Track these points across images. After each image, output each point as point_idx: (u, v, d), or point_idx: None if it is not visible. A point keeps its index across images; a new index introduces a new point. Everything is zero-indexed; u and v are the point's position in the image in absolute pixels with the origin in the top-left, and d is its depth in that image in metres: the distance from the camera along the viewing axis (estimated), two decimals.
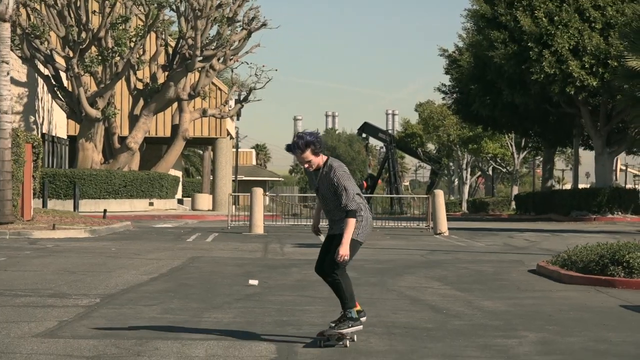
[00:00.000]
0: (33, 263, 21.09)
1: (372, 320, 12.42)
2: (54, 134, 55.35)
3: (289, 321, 12.70)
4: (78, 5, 49.54)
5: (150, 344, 10.78)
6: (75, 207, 47.85)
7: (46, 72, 51.08)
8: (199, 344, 10.83)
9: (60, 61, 51.57)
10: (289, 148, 10.06)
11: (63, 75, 52.37)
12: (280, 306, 14.18)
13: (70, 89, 51.67)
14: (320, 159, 9.94)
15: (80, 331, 11.69)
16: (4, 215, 33.18)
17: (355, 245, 10.24)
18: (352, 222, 9.81)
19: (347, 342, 10.12)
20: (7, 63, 34.45)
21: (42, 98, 53.18)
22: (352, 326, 10.08)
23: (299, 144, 9.79)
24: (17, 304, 13.97)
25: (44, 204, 45.36)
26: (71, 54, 50.47)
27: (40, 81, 52.01)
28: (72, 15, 49.64)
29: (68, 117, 55.38)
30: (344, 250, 9.74)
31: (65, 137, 57.83)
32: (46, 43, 50.10)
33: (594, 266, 17.04)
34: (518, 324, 12.12)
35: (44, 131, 52.59)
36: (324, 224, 10.80)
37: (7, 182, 33.42)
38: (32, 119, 51.06)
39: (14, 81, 42.15)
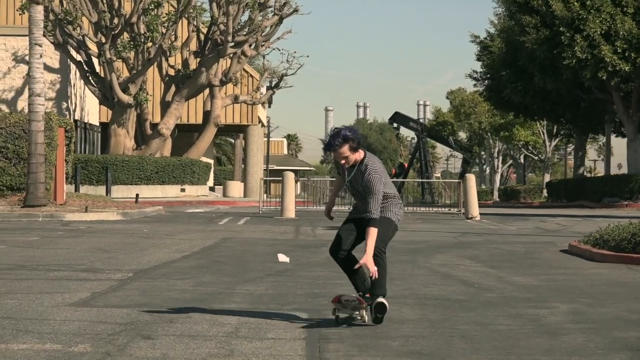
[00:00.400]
0: (66, 242, 21.21)
1: (404, 292, 12.72)
2: (86, 121, 55.79)
3: (320, 293, 12.75)
4: None
5: (183, 312, 10.86)
6: (108, 192, 48.05)
7: (78, 58, 51.53)
8: (231, 312, 10.90)
9: (92, 47, 51.97)
10: (327, 147, 9.54)
11: (95, 61, 52.77)
12: (312, 280, 14.27)
13: (102, 75, 52.12)
14: (357, 155, 9.48)
15: (114, 301, 11.82)
16: (37, 197, 33.61)
17: (392, 226, 9.89)
18: (374, 232, 9.32)
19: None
20: (40, 46, 35.09)
21: (74, 84, 53.64)
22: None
23: (336, 142, 9.34)
24: (51, 277, 14.11)
25: (77, 189, 45.73)
26: (103, 40, 50.80)
27: (73, 67, 52.48)
28: (104, 1, 49.89)
29: (100, 104, 55.85)
30: (372, 265, 9.28)
31: (98, 124, 58.27)
32: (78, 29, 50.39)
33: (626, 244, 17.12)
34: (549, 297, 12.17)
35: (76, 117, 53.04)
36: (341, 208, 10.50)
37: (40, 165, 33.85)
38: (64, 105, 51.57)
39: (46, 67, 42.72)
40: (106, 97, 52.36)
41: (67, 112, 50.96)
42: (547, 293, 12.72)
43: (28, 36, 36.57)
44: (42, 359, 8.21)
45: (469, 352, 8.73)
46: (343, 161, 9.49)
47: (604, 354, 8.49)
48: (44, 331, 9.50)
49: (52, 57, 48.76)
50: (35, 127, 33.59)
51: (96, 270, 15.35)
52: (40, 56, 35.07)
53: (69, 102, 52.77)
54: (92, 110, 57.09)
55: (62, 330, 9.59)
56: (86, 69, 51.82)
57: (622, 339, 9.21)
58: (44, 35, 38.07)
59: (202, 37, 55.34)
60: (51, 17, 47.17)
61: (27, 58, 41.13)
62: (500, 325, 10.10)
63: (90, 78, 51.90)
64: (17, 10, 53.61)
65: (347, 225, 9.86)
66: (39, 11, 34.93)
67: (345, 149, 9.36)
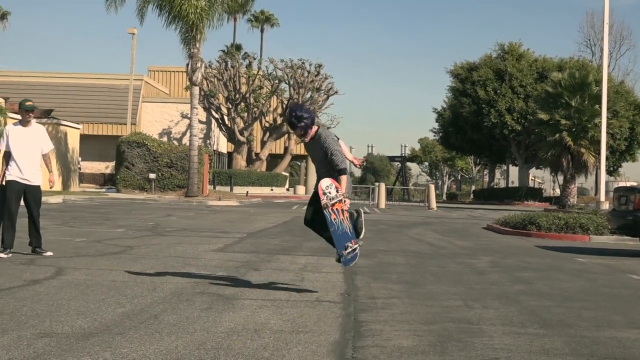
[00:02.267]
0: (208, 217, 21.19)
1: (396, 248, 12.70)
2: (220, 151, 55.37)
3: (361, 248, 12.23)
4: (234, 80, 49.29)
5: (274, 256, 10.76)
6: (231, 189, 47.40)
7: (216, 115, 51.32)
8: (301, 257, 10.77)
9: (224, 110, 51.61)
10: (292, 126, 7.18)
11: (225, 118, 52.27)
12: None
13: (229, 126, 51.57)
14: (312, 130, 7.14)
15: (236, 249, 11.71)
16: (192, 192, 33.78)
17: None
18: (344, 178, 7.02)
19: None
20: (196, 108, 35.15)
21: (213, 130, 53.20)
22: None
23: (294, 122, 7.09)
24: (201, 235, 14.04)
25: (214, 188, 45.10)
26: (230, 106, 50.49)
27: (213, 121, 52.13)
28: (231, 85, 49.65)
29: (228, 141, 55.24)
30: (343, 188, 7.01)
31: (225, 152, 57.66)
32: (216, 100, 50.18)
33: (519, 225, 16.92)
34: (478, 253, 11.99)
35: (214, 148, 52.48)
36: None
37: (194, 174, 34.02)
38: (208, 141, 51.00)
39: (200, 121, 42.89)
40: (231, 137, 51.86)
41: (209, 145, 50.37)
42: (476, 251, 12.53)
43: (190, 103, 36.23)
44: (200, 277, 8.23)
45: (435, 282, 8.67)
46: (303, 136, 7.29)
47: (509, 284, 8.50)
48: (199, 264, 9.56)
49: (201, 115, 47.84)
50: (193, 153, 33.55)
51: (226, 232, 15.21)
52: (196, 114, 35.05)
53: (211, 139, 52.19)
54: (222, 145, 56.45)
55: (209, 264, 9.61)
56: (220, 122, 51.44)
57: (519, 276, 9.17)
58: (198, 103, 37.80)
59: (284, 105, 54.67)
60: (202, 92, 46.55)
61: (188, 115, 40.29)
62: (452, 268, 10.05)
63: (222, 127, 51.49)
64: (184, 89, 52.93)
65: (310, 201, 7.53)
66: (195, 90, 35.01)
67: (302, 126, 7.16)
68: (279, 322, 5.97)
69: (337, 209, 6.83)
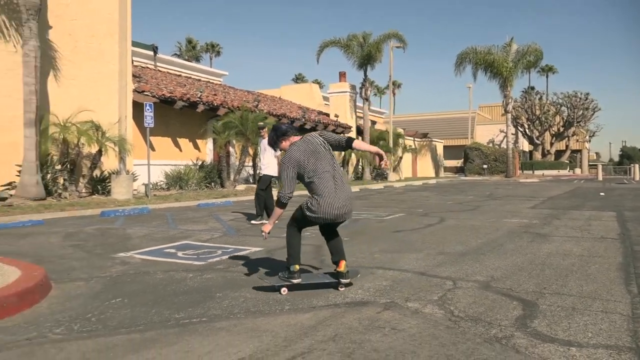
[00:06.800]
0: (520, 189, 19.91)
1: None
2: (524, 150, 49.95)
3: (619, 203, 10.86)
4: (532, 107, 47.32)
5: (567, 211, 9.80)
6: (532, 172, 43.52)
7: (521, 130, 48.72)
8: (585, 211, 9.76)
9: (525, 126, 48.15)
10: (274, 145, 4.47)
11: (527, 130, 48.62)
12: None
13: (529, 134, 49.11)
14: (286, 142, 4.40)
15: (541, 207, 10.92)
16: (509, 174, 34.54)
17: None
18: (276, 210, 4.29)
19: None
20: (509, 126, 34.48)
21: (519, 138, 49.11)
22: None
23: (274, 141, 4.43)
24: (519, 199, 13.22)
25: (522, 172, 42.74)
26: (529, 123, 48.51)
27: (519, 133, 48.78)
28: (530, 111, 47.41)
29: (529, 144, 51.63)
30: (265, 227, 4.34)
31: (528, 150, 51.57)
32: (520, 120, 47.29)
33: None
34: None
35: (520, 149, 48.21)
36: None
37: (511, 164, 33.61)
38: (516, 144, 46.63)
39: (511, 133, 39.27)
40: (531, 141, 49.93)
41: (517, 146, 46.97)
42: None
43: (505, 123, 36.11)
44: (523, 225, 7.67)
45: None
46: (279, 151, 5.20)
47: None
48: (521, 215, 9.15)
49: (511, 129, 41.54)
50: (508, 152, 34.92)
51: (533, 197, 14.41)
52: (509, 129, 34.72)
53: (517, 143, 48.70)
54: (525, 146, 51.65)
55: (528, 215, 9.12)
56: (523, 133, 49.60)
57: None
58: (510, 122, 36.23)
59: (563, 120, 49.47)
60: (512, 116, 43.63)
61: (504, 130, 40.44)
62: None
63: (525, 136, 49.93)
64: (500, 115, 48.45)
65: None
66: (508, 115, 34.21)
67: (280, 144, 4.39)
68: (579, 250, 5.67)
69: None
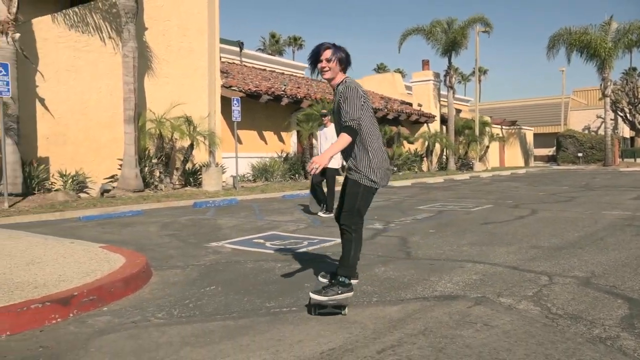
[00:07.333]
0: (621, 178, 18.65)
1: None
2: (624, 136, 48.87)
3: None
4: (633, 90, 43.65)
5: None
6: (634, 161, 41.44)
7: (621, 114, 44.95)
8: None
9: (626, 110, 44.47)
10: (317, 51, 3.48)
11: (628, 115, 45.03)
12: None
13: (630, 120, 44.93)
14: (339, 77, 3.49)
15: None
16: (608, 162, 32.50)
17: (369, 190, 3.51)
18: (343, 137, 3.36)
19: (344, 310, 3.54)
20: (608, 111, 32.33)
21: (619, 124, 46.63)
22: (341, 293, 3.49)
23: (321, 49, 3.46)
24: (620, 190, 12.94)
25: (622, 160, 40.62)
26: (631, 107, 44.60)
27: (618, 118, 45.25)
28: (631, 94, 43.76)
29: (630, 129, 48.33)
30: (319, 159, 3.30)
31: (629, 137, 50.66)
32: (620, 104, 44.03)
33: None
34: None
35: (621, 135, 46.12)
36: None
37: (609, 151, 31.80)
38: (615, 131, 44.00)
39: (611, 119, 36.14)
40: (633, 127, 46.44)
41: (617, 133, 43.91)
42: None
43: (603, 108, 35.03)
44: (626, 217, 7.45)
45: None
46: (325, 75, 3.47)
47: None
48: (621, 208, 8.36)
49: (610, 115, 37.26)
50: (607, 139, 32.92)
51: (633, 187, 13.61)
52: (609, 115, 32.62)
53: (617, 130, 45.92)
54: (625, 132, 50.09)
55: (629, 207, 8.55)
56: (624, 118, 45.61)
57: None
58: (609, 107, 34.33)
59: None
60: (611, 100, 37.47)
61: (601, 116, 38.47)
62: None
63: (625, 121, 45.75)
64: (598, 99, 46.57)
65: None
66: (607, 99, 32.35)
67: (330, 58, 3.46)
68: None
69: None
